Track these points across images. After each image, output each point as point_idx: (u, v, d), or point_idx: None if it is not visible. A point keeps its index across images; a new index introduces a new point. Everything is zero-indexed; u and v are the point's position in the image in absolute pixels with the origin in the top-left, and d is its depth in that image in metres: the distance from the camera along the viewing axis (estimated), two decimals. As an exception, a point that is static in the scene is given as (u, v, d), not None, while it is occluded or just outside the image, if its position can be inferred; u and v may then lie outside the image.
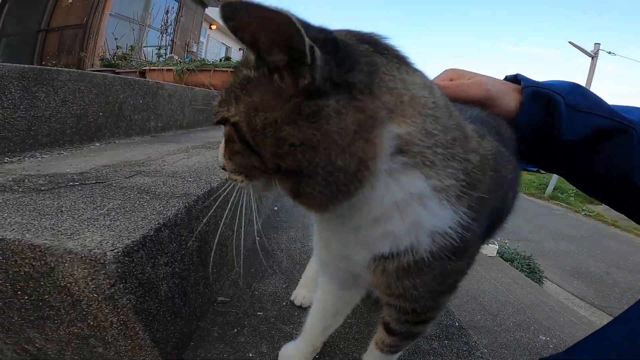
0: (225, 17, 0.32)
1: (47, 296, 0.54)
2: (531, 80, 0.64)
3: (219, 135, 2.29)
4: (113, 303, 0.52)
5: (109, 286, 0.51)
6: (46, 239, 0.52)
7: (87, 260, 0.50)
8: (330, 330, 0.74)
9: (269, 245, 1.33)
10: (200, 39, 9.06)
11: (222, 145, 0.43)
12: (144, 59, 4.56)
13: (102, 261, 0.50)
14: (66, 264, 0.51)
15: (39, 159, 1.11)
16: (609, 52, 10.97)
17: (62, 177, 0.82)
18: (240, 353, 0.77)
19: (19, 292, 0.55)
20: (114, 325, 0.55)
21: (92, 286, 0.51)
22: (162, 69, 3.49)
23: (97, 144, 1.51)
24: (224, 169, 0.45)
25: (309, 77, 0.33)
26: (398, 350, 0.65)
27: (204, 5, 8.25)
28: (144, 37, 5.27)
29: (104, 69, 4.05)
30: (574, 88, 0.62)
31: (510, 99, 0.63)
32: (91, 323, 0.55)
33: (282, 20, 0.31)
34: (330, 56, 0.34)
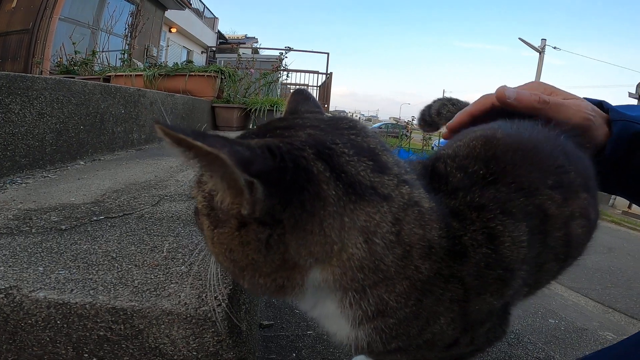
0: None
1: (126, 358, 0.42)
2: (620, 111, 0.58)
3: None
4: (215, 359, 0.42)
5: (215, 343, 0.42)
6: (131, 301, 0.41)
7: (194, 321, 0.41)
8: None
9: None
10: (160, 43, 8.63)
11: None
12: (106, 64, 4.21)
13: (212, 319, 0.41)
14: (162, 326, 0.41)
15: (23, 185, 0.93)
16: (554, 47, 11.81)
17: (76, 210, 0.68)
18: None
19: (86, 355, 0.43)
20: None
21: (194, 345, 0.42)
22: (130, 75, 3.22)
23: (81, 163, 1.32)
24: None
25: (248, 209, 0.32)
26: None
27: (164, 8, 7.88)
28: (106, 42, 4.88)
29: (61, 76, 3.69)
30: None
31: (600, 133, 0.57)
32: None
33: (218, 161, 0.29)
34: (274, 189, 0.31)
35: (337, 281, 0.35)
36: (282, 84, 4.30)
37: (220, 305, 0.42)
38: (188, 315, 0.41)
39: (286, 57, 3.96)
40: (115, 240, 0.56)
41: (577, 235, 0.46)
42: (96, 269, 0.48)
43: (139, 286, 0.45)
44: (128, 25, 6.38)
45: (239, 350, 0.45)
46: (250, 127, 3.61)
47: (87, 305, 0.41)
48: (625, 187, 0.64)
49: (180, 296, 0.43)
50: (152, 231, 0.61)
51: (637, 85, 11.13)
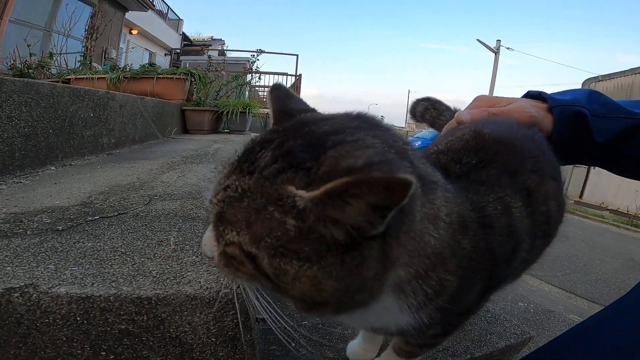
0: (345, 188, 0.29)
1: (145, 352, 0.42)
2: (555, 98, 0.67)
3: (182, 148, 2.08)
4: (233, 344, 0.45)
5: (234, 326, 0.44)
6: (155, 289, 0.42)
7: (216, 304, 0.43)
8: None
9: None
10: (120, 45, 8.28)
11: (209, 235, 0.36)
12: (65, 67, 3.98)
13: (233, 301, 0.43)
14: (185, 313, 0.42)
15: (-5, 191, 0.88)
16: (508, 48, 12.54)
17: (67, 212, 0.66)
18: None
19: (103, 353, 0.43)
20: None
21: (214, 330, 0.44)
22: (92, 78, 3.08)
23: (52, 168, 1.26)
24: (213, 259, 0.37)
25: (375, 230, 0.31)
26: (415, 356, 0.65)
27: (124, 10, 7.57)
28: (64, 44, 4.61)
29: (15, 78, 3.46)
30: (590, 96, 0.68)
31: (547, 122, 0.66)
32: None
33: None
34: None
35: (412, 272, 0.36)
36: (251, 86, 4.27)
37: (239, 287, 0.43)
38: (211, 299, 0.43)
39: (258, 59, 3.96)
40: (119, 237, 0.57)
41: (554, 212, 0.54)
42: (109, 263, 0.48)
43: (158, 276, 0.46)
44: (87, 27, 6.08)
45: (252, 334, 0.47)
46: (222, 130, 3.56)
47: (111, 297, 0.41)
48: (577, 160, 0.73)
49: (200, 282, 0.45)
50: (153, 227, 0.61)
51: (582, 84, 12.05)
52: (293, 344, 0.80)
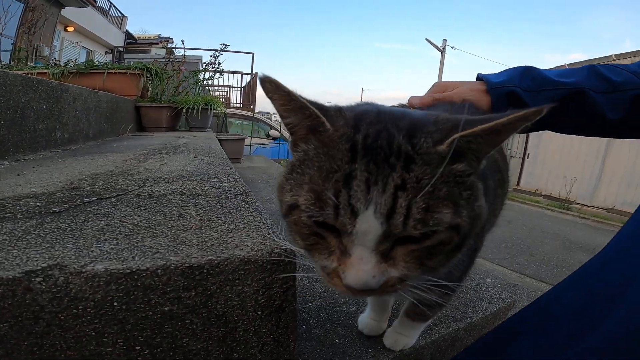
0: None
1: (186, 340, 0.39)
2: (492, 81, 0.73)
3: (146, 143, 1.96)
4: (277, 316, 0.42)
5: (282, 293, 0.42)
6: (207, 255, 0.38)
7: (269, 267, 0.40)
8: (390, 299, 0.76)
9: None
10: (54, 43, 7.56)
11: (373, 260, 0.35)
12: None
13: (286, 260, 0.41)
14: (237, 281, 0.39)
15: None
16: (453, 47, 13.34)
17: (55, 196, 0.59)
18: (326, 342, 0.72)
19: (138, 347, 0.37)
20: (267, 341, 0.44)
21: (262, 301, 0.41)
22: (31, 73, 2.78)
23: (5, 163, 1.13)
24: (374, 290, 0.35)
25: None
26: (427, 318, 0.72)
27: (61, 6, 6.94)
28: None
29: None
30: (523, 73, 0.73)
31: (484, 102, 0.73)
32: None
33: None
34: None
35: None
36: (206, 85, 4.12)
37: (288, 245, 0.42)
38: (264, 261, 0.40)
39: (221, 53, 3.82)
40: (133, 214, 0.52)
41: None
42: (140, 237, 0.44)
43: (201, 244, 0.42)
44: (18, 24, 5.47)
45: (295, 305, 0.46)
46: (181, 127, 3.40)
47: (159, 270, 0.37)
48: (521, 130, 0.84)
49: (248, 245, 0.42)
50: (165, 204, 0.57)
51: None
52: (304, 326, 0.79)
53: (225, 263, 0.39)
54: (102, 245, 0.41)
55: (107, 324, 0.36)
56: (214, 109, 3.21)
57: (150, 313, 0.37)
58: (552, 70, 0.74)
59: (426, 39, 12.59)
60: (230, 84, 9.03)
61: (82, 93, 1.91)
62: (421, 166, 0.33)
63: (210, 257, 0.39)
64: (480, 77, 0.76)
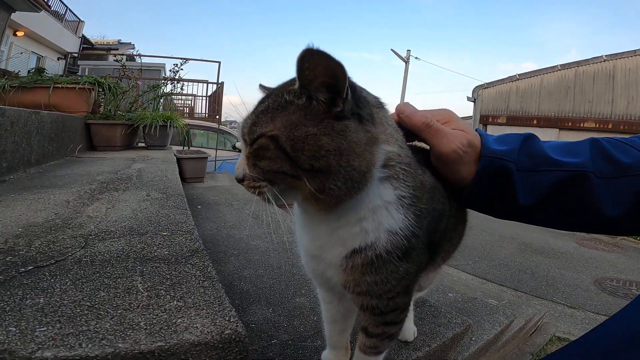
0: (302, 58, 0.44)
1: None
2: (490, 147, 0.60)
3: (94, 170, 1.85)
4: None
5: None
6: (156, 342, 0.38)
7: (220, 345, 0.41)
8: (348, 330, 0.79)
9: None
10: (1, 48, 7.01)
11: (243, 158, 0.52)
12: None
13: (236, 339, 0.42)
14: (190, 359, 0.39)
15: None
16: (416, 58, 13.86)
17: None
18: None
19: None
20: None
21: None
22: (-34, 88, 2.54)
23: None
24: (241, 180, 0.52)
25: (341, 107, 0.48)
26: (380, 351, 0.71)
27: (10, 10, 6.46)
28: None
29: None
30: (523, 145, 0.60)
31: (468, 168, 0.61)
32: None
33: (339, 70, 0.45)
34: (354, 96, 0.49)
35: (394, 159, 0.53)
36: (171, 94, 3.96)
37: (238, 326, 0.43)
38: (215, 342, 0.41)
39: (182, 69, 3.69)
40: (74, 289, 0.49)
41: (454, 210, 0.66)
42: (83, 319, 0.42)
43: (149, 327, 0.41)
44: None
45: None
46: (137, 145, 3.24)
47: (109, 356, 0.36)
48: (502, 215, 0.67)
49: (197, 327, 0.42)
50: (109, 274, 0.53)
51: (473, 90, 13.87)
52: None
53: (176, 347, 0.39)
54: (45, 329, 0.39)
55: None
56: (174, 126, 3.09)
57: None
58: (549, 142, 0.64)
59: (391, 50, 13.02)
60: (195, 92, 8.79)
61: (22, 115, 1.76)
62: (267, 100, 0.51)
63: (159, 344, 0.39)
64: (480, 133, 0.63)
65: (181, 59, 3.79)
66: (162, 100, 3.56)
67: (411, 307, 0.91)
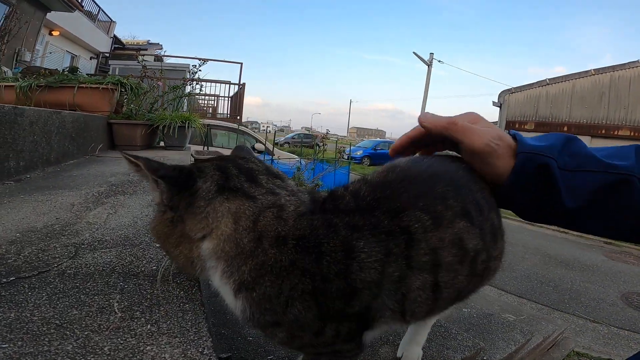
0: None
1: None
2: (527, 143, 0.57)
3: (108, 171, 1.88)
4: None
5: None
6: None
7: None
8: None
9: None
10: (37, 47, 7.37)
11: None
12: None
13: None
14: None
15: None
16: (439, 61, 13.60)
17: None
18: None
19: None
20: None
21: None
22: (-3, 86, 2.66)
23: (-62, 205, 1.03)
24: None
25: (159, 198, 0.49)
26: None
27: (46, 9, 6.79)
28: None
29: None
30: (564, 145, 0.57)
31: (504, 162, 0.57)
32: None
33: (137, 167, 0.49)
34: (172, 186, 0.49)
35: (217, 251, 0.46)
36: (191, 95, 4.02)
37: (212, 357, 0.41)
38: None
39: (200, 70, 3.74)
40: (48, 305, 0.47)
41: (448, 264, 0.49)
42: (47, 338, 0.41)
43: (112, 354, 0.39)
44: (-1, 28, 5.29)
45: None
46: (157, 145, 3.30)
47: None
48: (542, 219, 0.62)
49: (165, 358, 0.40)
50: (87, 290, 0.52)
51: (499, 95, 13.47)
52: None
53: None
54: (6, 347, 0.39)
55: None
56: (192, 127, 3.12)
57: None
58: (591, 147, 0.59)
59: (414, 53, 12.83)
60: (218, 93, 8.95)
61: (42, 115, 1.81)
62: None
63: None
64: (512, 135, 0.59)
65: (203, 59, 3.84)
66: (186, 101, 3.61)
67: (424, 329, 0.86)
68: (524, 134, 0.59)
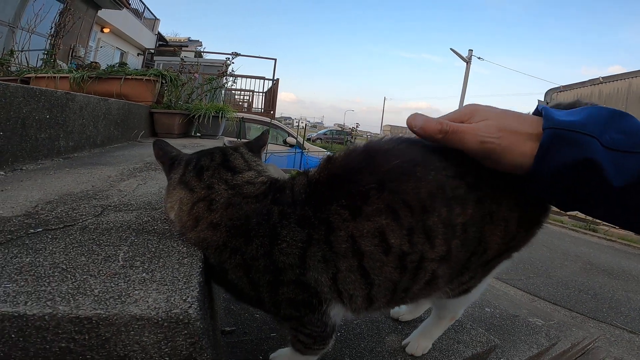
0: None
1: None
2: (556, 118, 0.47)
3: (147, 153, 2.01)
4: None
5: (188, 345, 0.43)
6: (96, 309, 0.41)
7: (165, 324, 0.42)
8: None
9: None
10: (89, 43, 7.95)
11: None
12: (25, 65, 3.76)
13: (185, 321, 0.42)
14: (132, 332, 0.41)
15: None
16: (479, 58, 13.02)
17: (8, 224, 0.61)
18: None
19: None
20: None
21: (167, 349, 0.42)
22: (54, 77, 2.93)
23: (1, 173, 1.17)
24: None
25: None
26: (294, 347, 0.68)
27: (97, 7, 7.30)
28: (27, 41, 4.32)
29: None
30: (610, 118, 0.47)
31: (519, 152, 0.49)
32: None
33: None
34: (166, 169, 0.71)
35: (175, 219, 0.63)
36: (227, 89, 4.19)
37: (192, 307, 0.43)
38: (159, 320, 0.42)
39: (233, 62, 3.89)
40: (61, 252, 0.53)
41: (370, 252, 0.53)
42: (47, 280, 0.46)
43: (100, 295, 0.44)
44: (54, 24, 5.78)
45: (212, 352, 0.46)
46: (193, 134, 3.47)
47: (46, 317, 0.40)
48: (579, 207, 0.53)
49: (148, 301, 0.43)
50: (101, 241, 0.58)
51: (545, 94, 12.66)
52: (261, 357, 0.78)
53: (115, 318, 0.41)
54: (9, 285, 0.43)
55: (10, 349, 0.40)
56: (225, 117, 3.26)
57: (48, 346, 0.41)
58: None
59: (451, 49, 12.38)
60: (253, 88, 9.18)
61: (90, 101, 1.99)
62: None
63: (98, 311, 0.41)
64: (539, 110, 0.52)
65: (236, 53, 3.98)
66: (222, 94, 3.76)
67: (438, 325, 0.89)
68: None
